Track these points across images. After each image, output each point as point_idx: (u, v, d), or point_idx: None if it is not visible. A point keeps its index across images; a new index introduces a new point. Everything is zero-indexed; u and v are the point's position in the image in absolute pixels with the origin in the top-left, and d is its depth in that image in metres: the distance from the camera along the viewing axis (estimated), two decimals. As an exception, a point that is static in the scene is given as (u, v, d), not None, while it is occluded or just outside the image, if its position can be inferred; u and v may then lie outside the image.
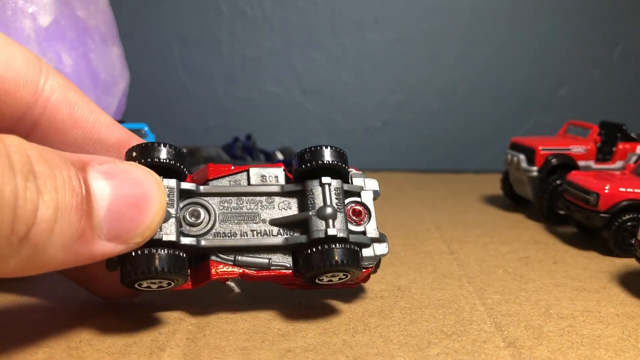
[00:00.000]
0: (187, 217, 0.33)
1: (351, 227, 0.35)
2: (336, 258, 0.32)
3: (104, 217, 0.27)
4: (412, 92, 1.05)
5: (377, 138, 1.06)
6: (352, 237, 0.34)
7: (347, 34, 1.04)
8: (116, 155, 0.33)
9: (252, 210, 0.34)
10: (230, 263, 0.33)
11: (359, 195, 0.36)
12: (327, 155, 0.34)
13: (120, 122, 0.62)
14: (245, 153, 0.81)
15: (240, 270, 0.33)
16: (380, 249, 0.35)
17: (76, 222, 0.25)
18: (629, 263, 0.48)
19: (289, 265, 0.34)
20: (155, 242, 0.30)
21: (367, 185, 0.37)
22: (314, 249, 0.33)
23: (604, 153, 0.65)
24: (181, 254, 0.31)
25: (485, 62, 1.04)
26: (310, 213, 0.34)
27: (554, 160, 0.63)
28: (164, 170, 0.32)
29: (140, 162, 0.31)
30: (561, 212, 0.60)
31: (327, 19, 1.03)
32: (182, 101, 1.06)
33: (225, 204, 0.34)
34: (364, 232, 0.35)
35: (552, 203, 0.61)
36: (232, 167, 0.36)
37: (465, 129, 1.06)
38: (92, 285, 0.36)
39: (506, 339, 0.33)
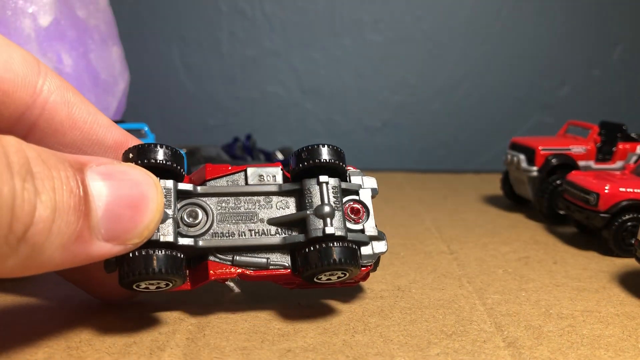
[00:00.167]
0: (185, 217, 0.33)
1: (349, 225, 0.35)
2: (334, 257, 0.32)
3: (102, 218, 0.27)
4: (412, 92, 1.05)
5: (377, 138, 1.06)
6: (350, 236, 0.34)
7: (347, 34, 1.04)
8: (114, 156, 0.33)
9: (250, 209, 0.34)
10: (229, 263, 0.33)
11: (357, 193, 0.36)
12: (325, 154, 0.34)
13: (120, 122, 0.62)
14: (245, 153, 0.81)
15: (239, 270, 0.33)
16: (378, 247, 0.35)
17: (74, 222, 0.25)
18: (629, 263, 0.48)
19: (287, 265, 0.34)
20: (153, 243, 0.30)
21: (365, 183, 0.37)
22: (312, 248, 0.33)
23: (604, 153, 0.65)
24: (179, 255, 0.31)
25: (485, 62, 1.04)
26: (308, 212, 0.34)
27: (554, 160, 0.63)
28: (161, 171, 0.32)
29: (137, 163, 0.31)
30: (561, 212, 0.60)
31: (327, 19, 1.04)
32: (182, 101, 1.06)
33: (223, 204, 0.34)
34: (362, 230, 0.35)
35: (552, 203, 0.61)
36: (230, 167, 0.36)
37: (465, 129, 1.06)
38: (90, 287, 0.36)
39: (506, 339, 0.33)
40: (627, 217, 0.50)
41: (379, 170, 0.94)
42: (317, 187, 0.34)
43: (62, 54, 0.60)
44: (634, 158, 0.63)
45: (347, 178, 0.37)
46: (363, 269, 0.35)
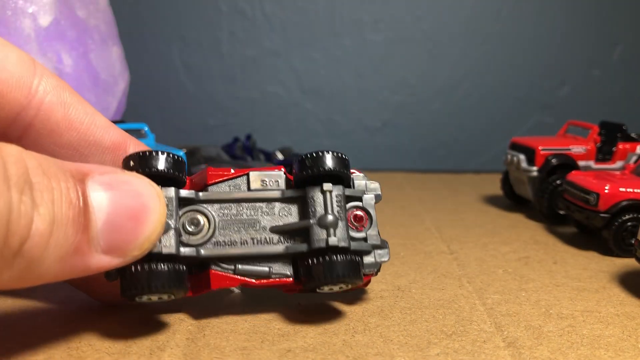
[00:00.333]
0: (187, 225, 0.32)
1: (352, 233, 0.35)
2: (337, 272, 0.32)
3: (101, 230, 0.26)
4: (412, 92, 1.05)
5: (377, 138, 1.06)
6: (353, 245, 0.34)
7: (347, 34, 1.04)
8: (112, 157, 0.33)
9: (252, 217, 0.34)
10: (231, 273, 0.33)
11: (360, 199, 0.36)
12: (329, 162, 0.34)
13: (120, 122, 0.62)
14: (245, 153, 0.81)
15: (241, 279, 0.33)
16: (381, 255, 0.35)
17: (72, 235, 0.25)
18: (629, 263, 0.48)
19: (289, 274, 0.34)
20: (154, 256, 0.30)
21: (369, 188, 0.37)
22: (316, 261, 0.32)
23: (604, 153, 0.65)
24: (181, 268, 0.31)
25: (485, 62, 1.04)
26: (311, 221, 0.33)
27: (554, 160, 0.63)
28: (162, 179, 0.31)
29: (138, 172, 0.30)
30: (561, 212, 0.60)
31: (327, 19, 1.04)
32: (182, 101, 1.06)
33: (225, 211, 0.34)
34: (365, 239, 0.35)
35: (552, 203, 0.61)
36: (232, 171, 0.35)
37: (466, 129, 1.06)
38: (90, 289, 0.36)
39: (506, 339, 0.33)
40: (627, 217, 0.50)
41: (379, 170, 0.94)
42: (320, 196, 0.34)
43: (62, 54, 0.60)
44: (634, 158, 0.63)
45: (351, 184, 0.36)
46: (365, 277, 0.35)
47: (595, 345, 0.33)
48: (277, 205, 0.35)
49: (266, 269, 0.34)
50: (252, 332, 0.33)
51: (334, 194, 0.34)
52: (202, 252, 0.32)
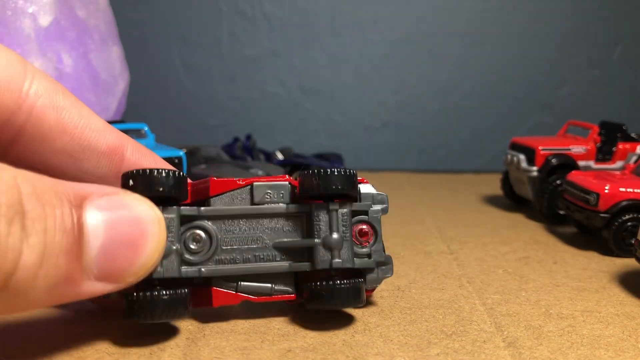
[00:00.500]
0: (189, 242, 0.32)
1: (356, 249, 0.34)
2: (341, 297, 0.32)
3: (96, 257, 0.25)
4: (412, 92, 1.05)
5: (377, 138, 1.06)
6: (357, 262, 0.33)
7: (347, 34, 1.04)
8: (108, 161, 0.32)
9: (255, 233, 0.34)
10: (233, 291, 0.33)
11: (366, 213, 0.35)
12: (337, 183, 0.32)
13: (120, 122, 0.62)
14: (245, 153, 0.81)
15: (243, 297, 0.33)
16: (384, 271, 0.35)
17: (64, 265, 0.24)
18: (629, 263, 0.48)
19: (291, 290, 0.34)
20: (156, 281, 0.30)
21: (376, 200, 0.36)
22: (319, 285, 0.32)
23: (604, 153, 0.65)
24: (183, 292, 0.31)
25: (485, 62, 1.04)
26: (315, 241, 0.33)
27: (554, 160, 0.63)
28: (163, 199, 0.30)
29: (138, 191, 0.29)
30: (561, 212, 0.60)
31: (327, 19, 1.03)
32: (182, 101, 1.06)
33: (228, 227, 0.33)
34: (369, 255, 0.35)
35: (552, 203, 0.61)
36: (239, 181, 0.34)
37: (465, 129, 1.06)
38: None
39: (506, 339, 0.33)
40: (627, 217, 0.50)
41: (379, 170, 0.94)
42: (326, 216, 0.33)
43: (62, 54, 0.60)
44: (634, 158, 0.63)
45: (358, 196, 0.35)
46: (367, 292, 0.35)
47: (595, 345, 0.33)
48: (281, 221, 0.34)
49: (268, 286, 0.34)
50: (252, 332, 0.33)
51: (340, 212, 0.33)
52: (204, 270, 0.32)
